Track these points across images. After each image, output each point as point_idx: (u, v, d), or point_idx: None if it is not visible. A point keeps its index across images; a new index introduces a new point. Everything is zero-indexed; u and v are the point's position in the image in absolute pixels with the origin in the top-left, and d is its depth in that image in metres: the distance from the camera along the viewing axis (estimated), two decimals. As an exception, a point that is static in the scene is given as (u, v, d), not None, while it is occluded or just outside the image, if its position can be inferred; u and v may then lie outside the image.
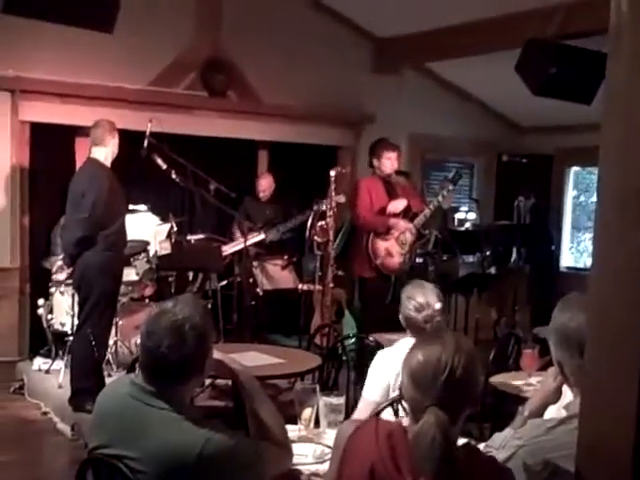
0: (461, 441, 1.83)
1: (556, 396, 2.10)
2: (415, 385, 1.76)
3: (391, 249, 5.97)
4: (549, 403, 2.12)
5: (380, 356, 3.17)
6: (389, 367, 3.04)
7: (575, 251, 8.75)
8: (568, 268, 8.50)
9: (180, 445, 2.00)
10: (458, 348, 1.75)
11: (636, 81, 1.47)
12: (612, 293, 1.52)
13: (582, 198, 8.74)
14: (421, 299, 3.08)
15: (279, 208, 6.92)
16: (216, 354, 2.24)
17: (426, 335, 2.99)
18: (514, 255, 7.16)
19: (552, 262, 8.25)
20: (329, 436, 2.63)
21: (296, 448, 2.39)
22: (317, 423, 2.69)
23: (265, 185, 7.00)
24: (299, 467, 2.36)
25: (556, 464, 1.78)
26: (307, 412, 2.63)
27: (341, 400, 2.75)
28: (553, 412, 2.12)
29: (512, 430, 2.00)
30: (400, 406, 2.84)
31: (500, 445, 1.93)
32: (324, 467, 2.37)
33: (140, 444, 2.04)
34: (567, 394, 2.04)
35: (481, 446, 2.04)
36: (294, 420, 2.65)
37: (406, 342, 3.09)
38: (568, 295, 2.03)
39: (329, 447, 2.51)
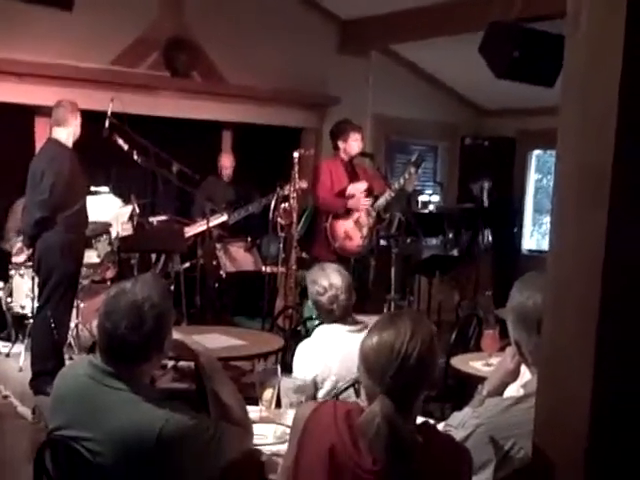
0: (420, 420, 1.84)
1: (514, 375, 2.11)
2: (367, 371, 1.75)
3: (350, 232, 5.97)
4: (508, 382, 2.14)
5: (301, 347, 3.14)
6: (311, 359, 3.04)
7: (537, 234, 8.85)
8: (530, 251, 8.59)
9: (139, 426, 1.99)
10: (414, 333, 1.73)
11: (592, 64, 1.48)
12: (569, 271, 1.53)
13: (544, 181, 8.83)
14: (324, 282, 3.09)
15: (241, 189, 6.89)
16: (176, 335, 2.23)
17: (336, 317, 3.04)
18: (477, 238, 7.21)
19: (515, 244, 8.33)
20: (290, 416, 2.64)
21: (257, 429, 2.40)
22: (278, 404, 2.69)
23: (227, 163, 6.97)
24: (260, 447, 2.36)
25: (515, 442, 1.81)
26: (268, 393, 2.64)
27: (302, 380, 2.77)
28: (512, 391, 2.14)
29: (471, 409, 2.02)
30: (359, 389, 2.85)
31: (459, 424, 1.94)
32: (285, 447, 2.37)
33: (98, 425, 2.03)
34: (525, 374, 2.06)
35: (440, 425, 2.06)
36: (256, 402, 2.65)
37: (322, 330, 3.12)
38: (525, 275, 2.05)
39: (290, 427, 2.52)
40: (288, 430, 2.48)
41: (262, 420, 2.56)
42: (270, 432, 2.46)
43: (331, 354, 2.98)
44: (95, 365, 2.10)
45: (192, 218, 6.50)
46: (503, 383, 2.13)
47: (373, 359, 1.73)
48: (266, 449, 2.36)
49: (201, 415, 2.14)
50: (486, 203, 7.70)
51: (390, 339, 1.73)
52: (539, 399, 1.65)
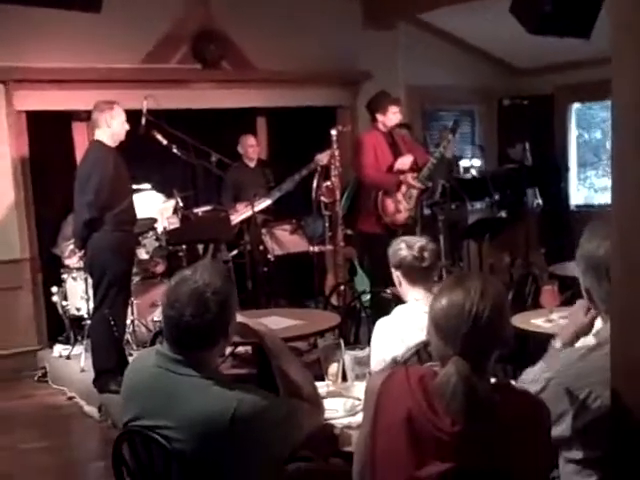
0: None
1: (588, 329, 2.08)
2: (438, 333, 1.74)
3: (399, 205, 5.94)
4: (581, 335, 2.11)
5: (379, 327, 3.09)
6: (390, 339, 2.97)
7: (583, 188, 8.71)
8: (578, 206, 8.45)
9: (213, 409, 2.01)
10: (484, 293, 1.71)
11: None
12: (634, 216, 1.50)
13: (585, 136, 8.67)
14: (412, 240, 3.15)
15: (269, 172, 6.87)
16: (239, 317, 2.24)
17: (423, 272, 3.04)
18: (523, 198, 7.11)
19: (562, 201, 8.21)
20: (357, 389, 2.65)
21: (326, 403, 2.41)
22: (344, 377, 2.70)
23: (252, 141, 6.93)
24: (332, 421, 2.37)
25: (590, 391, 1.78)
26: (333, 367, 2.65)
27: (366, 352, 2.76)
28: (583, 341, 2.10)
29: (544, 363, 1.99)
30: (425, 354, 2.83)
31: (533, 379, 1.92)
32: (356, 419, 2.38)
33: (173, 412, 2.05)
34: (596, 324, 2.03)
35: (513, 383, 2.04)
36: (321, 379, 2.66)
37: (402, 309, 3.08)
38: (594, 223, 2.01)
39: (359, 399, 2.52)
40: (357, 402, 2.50)
41: (330, 394, 2.57)
42: (340, 405, 2.47)
43: (410, 334, 2.89)
44: (163, 354, 2.12)
45: (223, 207, 6.49)
46: (576, 336, 2.10)
47: (444, 320, 1.72)
48: (338, 422, 2.37)
49: (272, 394, 2.15)
50: (529, 162, 7.59)
51: (460, 300, 1.71)
52: (614, 346, 1.62)
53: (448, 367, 1.68)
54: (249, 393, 2.04)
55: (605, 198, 8.38)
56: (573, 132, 8.49)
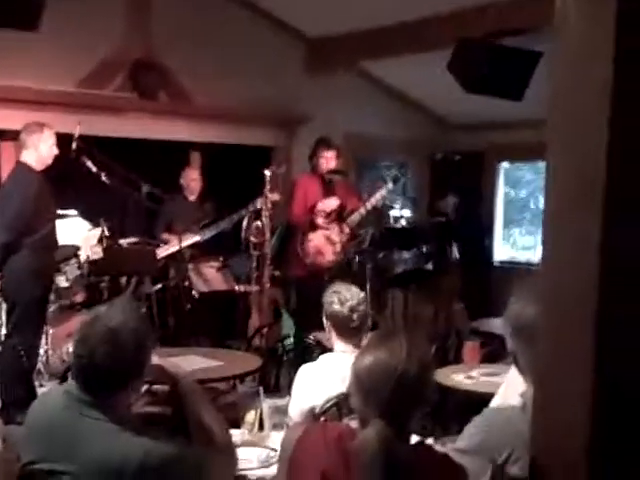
0: (414, 439, 1.79)
1: None
2: (360, 392, 1.69)
3: (321, 247, 5.96)
4: None
5: (302, 373, 3.04)
6: (312, 387, 2.92)
7: (506, 244, 8.90)
8: (501, 262, 8.63)
9: (118, 457, 1.91)
10: (410, 352, 1.68)
11: (581, 72, 1.46)
12: (564, 279, 1.50)
13: (512, 194, 8.90)
14: (346, 293, 3.09)
15: (209, 207, 6.80)
16: (155, 359, 2.16)
17: (351, 331, 3.00)
18: (449, 251, 7.23)
19: (485, 257, 8.37)
20: (274, 439, 2.58)
21: (240, 453, 2.33)
22: (261, 426, 2.63)
23: (194, 175, 6.86)
24: (245, 472, 2.30)
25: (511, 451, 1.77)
26: (251, 415, 2.58)
27: (285, 400, 2.71)
28: (510, 400, 2.09)
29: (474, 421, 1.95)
30: (346, 406, 2.78)
31: (460, 437, 1.89)
32: (270, 471, 2.32)
33: (76, 457, 1.94)
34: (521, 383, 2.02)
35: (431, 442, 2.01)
36: (235, 424, 2.59)
37: (328, 357, 3.04)
38: (522, 285, 2.02)
39: (274, 450, 2.46)
40: (272, 453, 2.43)
41: (245, 443, 2.50)
42: (254, 456, 2.40)
43: (332, 384, 2.84)
44: (70, 393, 2.01)
45: (155, 239, 6.38)
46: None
47: (367, 380, 1.67)
48: (251, 474, 2.30)
49: (183, 442, 2.06)
50: (453, 217, 7.75)
51: (385, 359, 1.67)
52: (535, 411, 1.61)
53: (368, 430, 1.63)
54: (158, 442, 1.95)
55: (527, 256, 8.60)
56: (501, 189, 8.71)
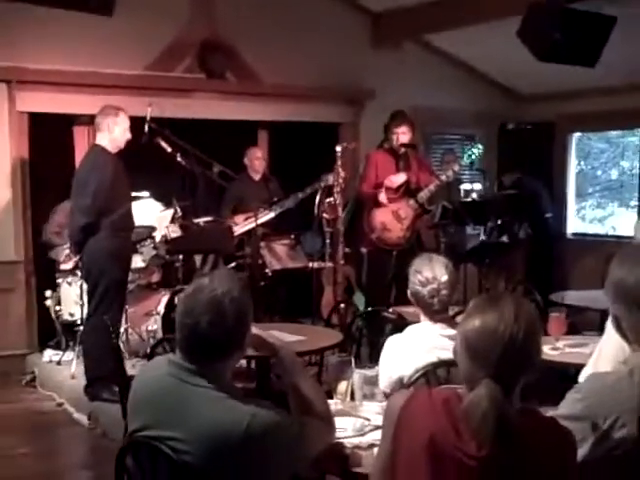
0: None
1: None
2: (469, 354, 1.70)
3: (388, 223, 5.93)
4: None
5: (389, 344, 3.00)
6: (400, 358, 2.90)
7: (579, 217, 8.71)
8: (574, 234, 8.47)
9: (225, 423, 1.95)
10: (517, 316, 1.67)
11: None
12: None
13: (583, 165, 8.69)
14: (428, 273, 2.93)
15: (274, 186, 6.82)
16: (254, 329, 2.19)
17: (434, 310, 2.94)
18: (521, 224, 7.11)
19: (558, 229, 8.19)
20: (366, 408, 2.61)
21: (335, 422, 2.35)
22: (352, 396, 2.66)
23: (258, 154, 6.90)
24: (341, 440, 2.32)
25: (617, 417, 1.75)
26: (343, 385, 2.60)
27: (375, 371, 2.72)
28: (611, 366, 2.07)
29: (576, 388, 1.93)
30: (434, 377, 2.79)
31: (562, 404, 1.88)
32: (365, 439, 2.34)
33: (183, 424, 1.99)
34: (625, 348, 1.99)
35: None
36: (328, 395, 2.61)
37: (414, 328, 3.00)
38: (625, 248, 1.98)
39: (367, 419, 2.48)
40: (366, 422, 2.45)
41: (338, 413, 2.51)
42: (349, 425, 2.41)
43: (421, 356, 2.83)
44: (176, 363, 2.06)
45: (221, 218, 6.44)
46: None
47: (476, 342, 1.68)
48: (347, 442, 2.32)
49: (284, 411, 2.10)
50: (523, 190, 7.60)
51: (494, 322, 1.67)
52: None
53: (478, 390, 1.64)
54: (263, 409, 1.99)
55: (598, 229, 8.43)
56: (572, 161, 8.52)
